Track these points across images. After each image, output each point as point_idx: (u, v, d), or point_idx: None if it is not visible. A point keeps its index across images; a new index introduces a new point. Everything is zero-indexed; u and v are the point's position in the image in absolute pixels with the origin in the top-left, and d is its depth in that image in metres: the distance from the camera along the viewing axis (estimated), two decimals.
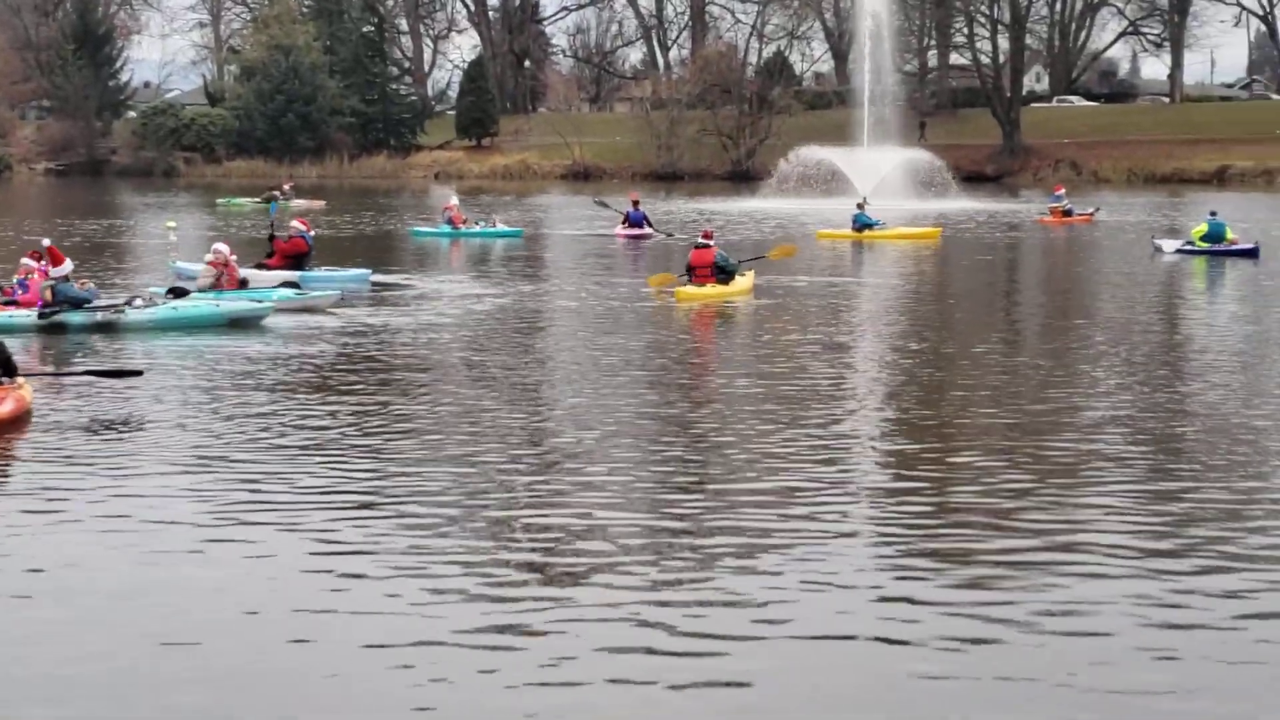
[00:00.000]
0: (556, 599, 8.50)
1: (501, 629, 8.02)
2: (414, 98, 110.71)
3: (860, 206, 40.58)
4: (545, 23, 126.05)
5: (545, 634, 7.95)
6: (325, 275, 26.18)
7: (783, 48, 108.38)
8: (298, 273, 25.34)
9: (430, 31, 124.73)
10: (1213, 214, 33.91)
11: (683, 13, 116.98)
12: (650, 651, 7.71)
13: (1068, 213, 46.69)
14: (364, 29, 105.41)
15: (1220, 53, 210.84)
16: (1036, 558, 9.27)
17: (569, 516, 10.25)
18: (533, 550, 9.54)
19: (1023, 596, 8.55)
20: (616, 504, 10.59)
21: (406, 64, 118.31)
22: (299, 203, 57.27)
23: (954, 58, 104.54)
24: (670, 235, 39.68)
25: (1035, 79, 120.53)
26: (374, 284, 26.60)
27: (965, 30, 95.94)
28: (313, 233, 28.01)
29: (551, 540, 9.72)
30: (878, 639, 7.91)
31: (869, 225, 39.07)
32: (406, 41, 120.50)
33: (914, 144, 67.69)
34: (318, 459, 12.02)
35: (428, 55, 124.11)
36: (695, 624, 8.08)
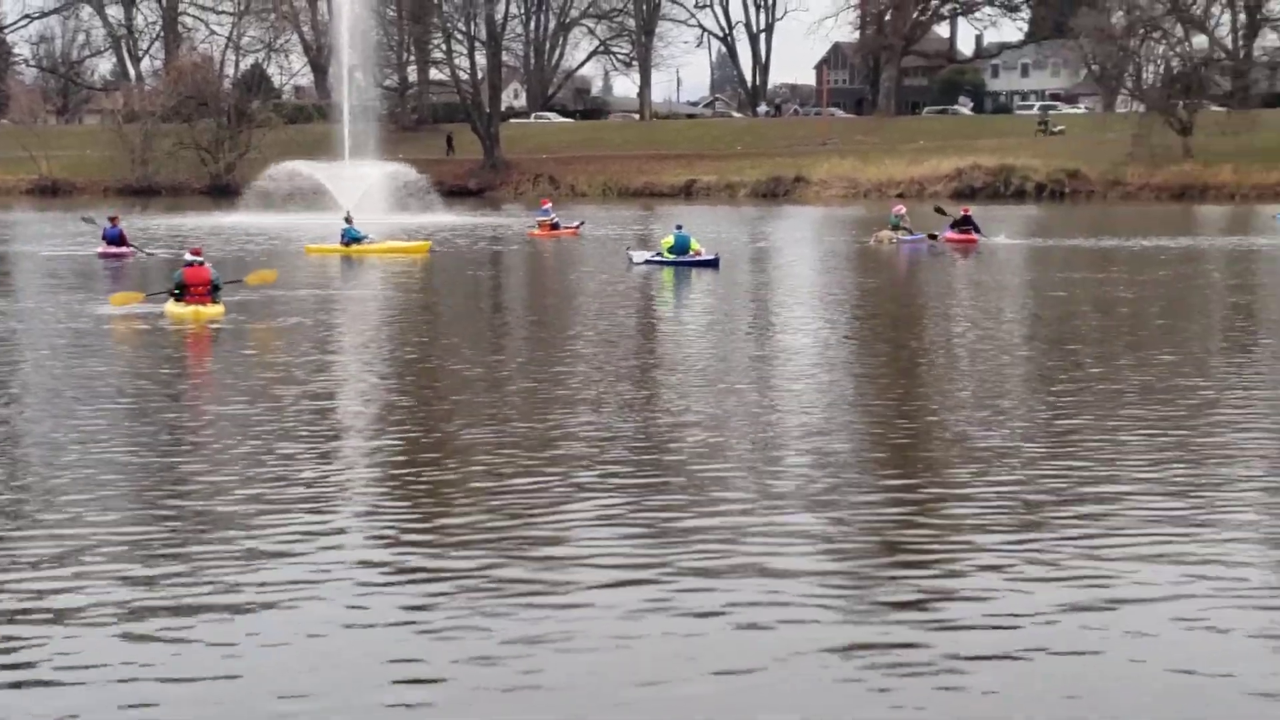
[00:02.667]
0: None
1: None
2: None
3: (348, 220, 40.67)
4: (6, 31, 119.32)
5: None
6: None
7: (261, 60, 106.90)
8: None
9: None
10: (679, 227, 35.91)
11: (154, 22, 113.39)
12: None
13: (555, 226, 48.29)
14: None
15: (686, 72, 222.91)
16: (534, 575, 9.59)
17: (44, 569, 9.78)
18: None
19: (515, 618, 8.82)
20: (89, 545, 10.15)
21: None
22: None
23: (434, 73, 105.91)
24: (151, 254, 38.29)
25: (514, 95, 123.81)
26: None
27: (444, 46, 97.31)
28: None
29: (17, 591, 9.27)
30: (395, 703, 7.94)
31: (357, 239, 39.21)
32: None
33: (397, 158, 68.08)
34: None
35: None
36: (179, 690, 7.74)
